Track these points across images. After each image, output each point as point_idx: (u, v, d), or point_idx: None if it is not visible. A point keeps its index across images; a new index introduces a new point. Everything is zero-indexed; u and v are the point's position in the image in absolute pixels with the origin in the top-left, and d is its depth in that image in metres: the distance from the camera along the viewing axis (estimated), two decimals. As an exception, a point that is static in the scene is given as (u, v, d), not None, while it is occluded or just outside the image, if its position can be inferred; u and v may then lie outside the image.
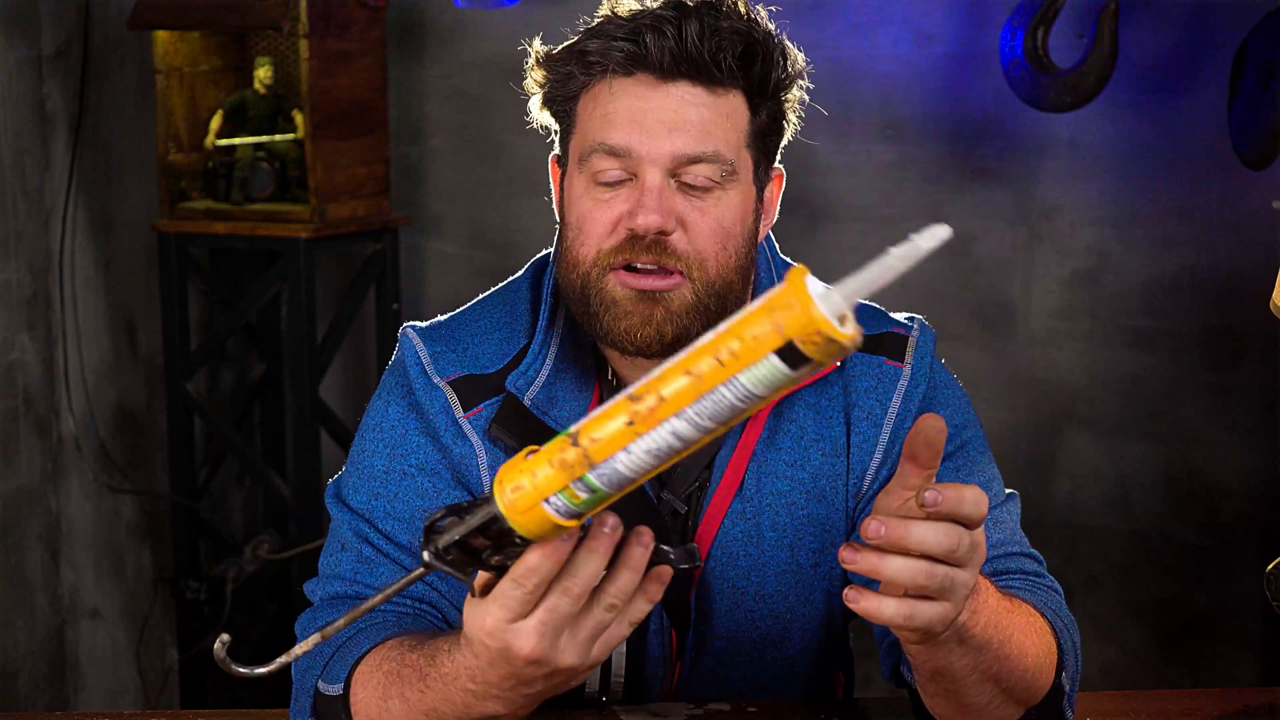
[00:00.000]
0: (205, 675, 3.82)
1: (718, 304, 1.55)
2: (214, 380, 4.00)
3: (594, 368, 1.63)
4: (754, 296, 1.65)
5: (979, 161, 3.63)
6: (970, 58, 3.58)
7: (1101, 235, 3.60)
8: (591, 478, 1.10)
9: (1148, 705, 1.71)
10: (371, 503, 1.61)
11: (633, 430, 1.07)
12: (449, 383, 1.61)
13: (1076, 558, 3.67)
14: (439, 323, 1.68)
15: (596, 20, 1.59)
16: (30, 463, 3.56)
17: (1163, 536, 3.64)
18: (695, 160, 1.53)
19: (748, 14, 1.56)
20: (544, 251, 1.71)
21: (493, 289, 1.72)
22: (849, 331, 1.03)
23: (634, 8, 1.57)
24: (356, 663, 1.46)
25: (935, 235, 1.00)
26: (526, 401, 1.59)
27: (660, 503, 1.62)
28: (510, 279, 1.71)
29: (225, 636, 1.20)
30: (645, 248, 1.52)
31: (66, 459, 3.66)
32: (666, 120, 1.52)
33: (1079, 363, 3.66)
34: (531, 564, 1.17)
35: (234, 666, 1.20)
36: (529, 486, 1.11)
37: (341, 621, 1.22)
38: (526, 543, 1.16)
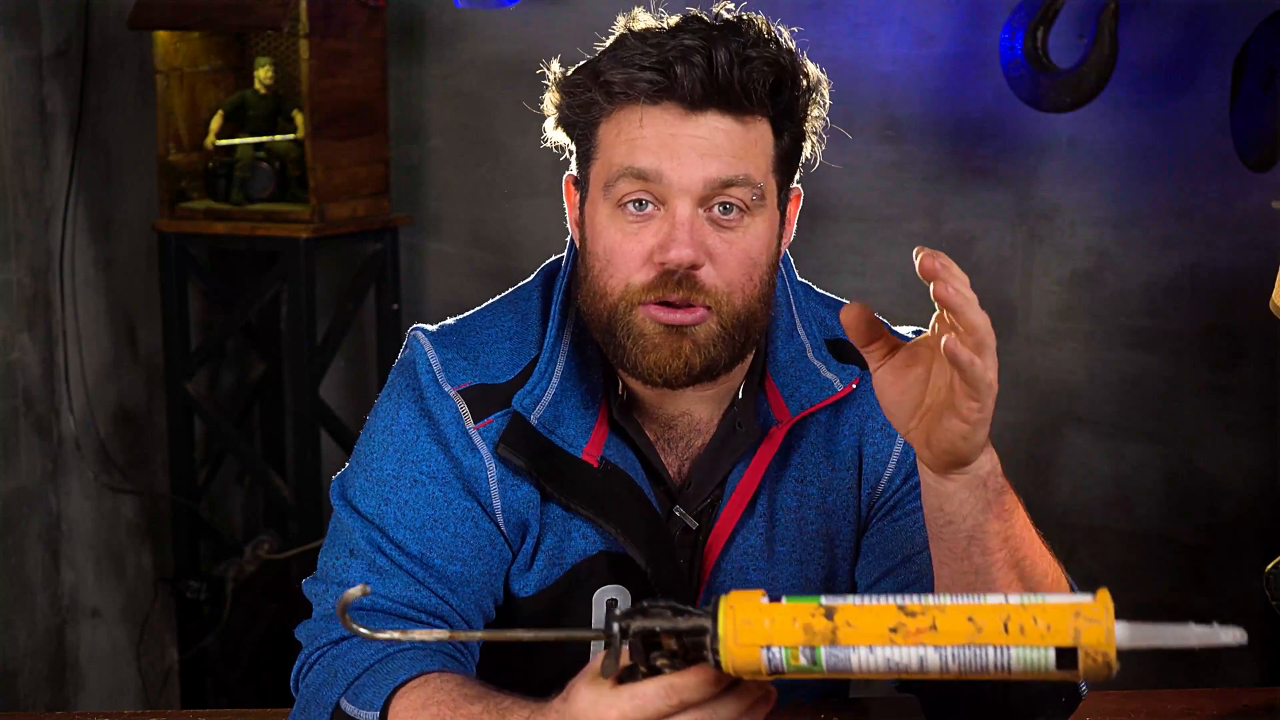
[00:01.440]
0: (205, 675, 3.82)
1: (742, 334, 1.54)
2: (214, 380, 4.00)
3: (601, 384, 1.61)
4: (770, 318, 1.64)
5: (979, 161, 3.63)
6: (970, 58, 3.58)
7: (1101, 235, 3.60)
8: (822, 653, 1.13)
9: (1147, 705, 1.72)
10: (382, 508, 1.58)
11: (890, 638, 1.12)
12: (460, 392, 1.59)
13: (1076, 558, 3.67)
14: (449, 327, 1.66)
15: (613, 39, 1.55)
16: (30, 463, 3.56)
17: (1163, 536, 3.64)
18: (728, 184, 1.51)
19: (770, 35, 1.53)
20: (554, 257, 1.69)
21: (503, 294, 1.69)
22: (1116, 666, 1.11)
23: (651, 25, 1.53)
24: (393, 693, 1.44)
25: (1234, 635, 1.09)
26: (533, 420, 1.57)
27: (671, 519, 1.62)
28: (520, 285, 1.69)
29: (367, 588, 1.19)
30: (676, 284, 1.50)
31: (66, 459, 3.66)
32: (698, 147, 1.50)
33: (1079, 363, 3.66)
34: (692, 683, 1.18)
35: (352, 622, 1.19)
36: (760, 627, 1.14)
37: (479, 634, 1.25)
38: (696, 664, 1.18)
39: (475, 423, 1.58)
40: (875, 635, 1.12)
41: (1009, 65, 3.38)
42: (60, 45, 3.56)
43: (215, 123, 3.60)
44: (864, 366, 1.65)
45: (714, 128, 1.51)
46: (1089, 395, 3.65)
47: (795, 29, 1.58)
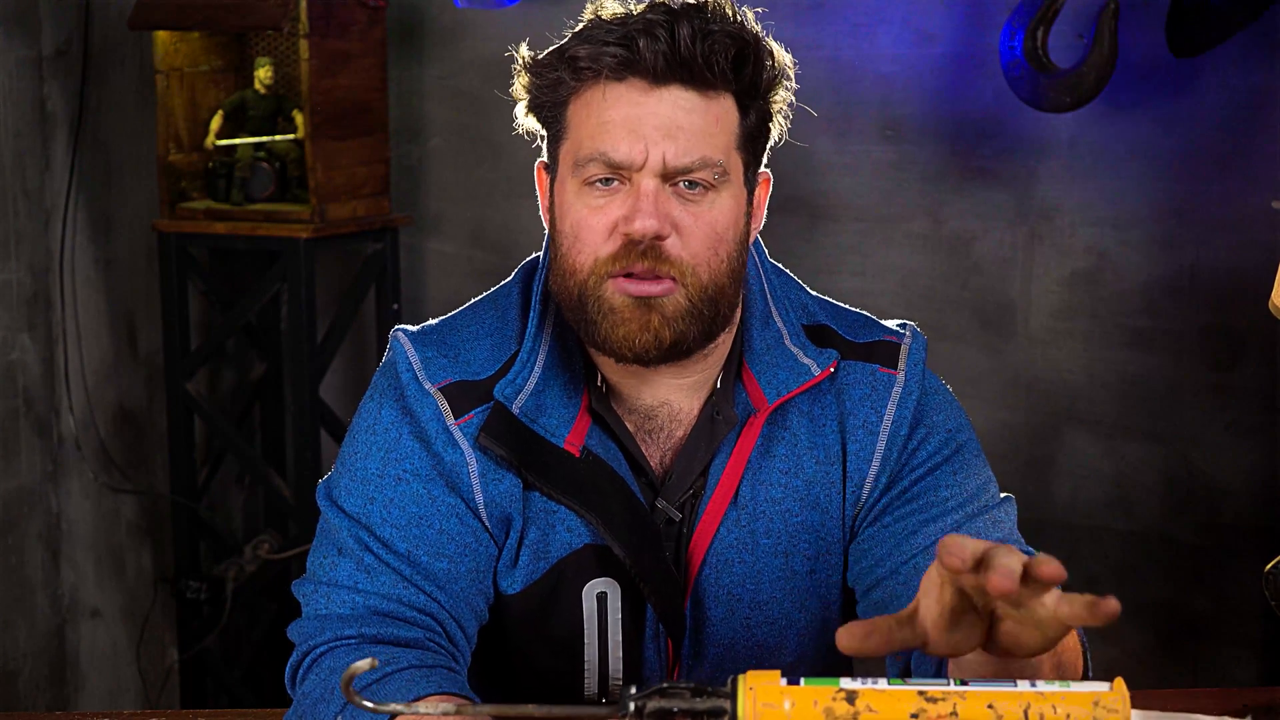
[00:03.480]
0: (205, 675, 3.82)
1: (711, 309, 1.55)
2: (214, 380, 4.00)
3: (583, 374, 1.62)
4: (743, 301, 1.65)
5: (979, 161, 3.63)
6: (970, 58, 3.58)
7: (1101, 235, 3.60)
8: None
9: (1148, 705, 1.71)
10: (367, 507, 1.59)
11: None
12: (440, 389, 1.60)
13: (1076, 558, 3.67)
14: (430, 327, 1.68)
15: (581, 24, 1.59)
16: (30, 463, 3.56)
17: (1163, 536, 3.64)
18: (687, 170, 1.53)
19: (735, 16, 1.56)
20: (533, 255, 1.71)
21: (484, 294, 1.71)
22: None
23: (618, 10, 1.57)
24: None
25: None
26: (515, 410, 1.58)
27: (655, 510, 1.62)
28: (501, 284, 1.71)
29: (375, 661, 1.17)
30: (640, 254, 1.52)
31: (66, 459, 3.66)
32: (661, 126, 1.52)
33: (1079, 363, 3.66)
34: None
35: (358, 696, 1.17)
36: (780, 710, 1.14)
37: (487, 708, 1.18)
38: None
39: (455, 419, 1.59)
40: None
41: (1009, 65, 3.38)
42: (60, 45, 3.56)
43: (215, 123, 3.60)
44: (842, 352, 1.65)
45: (677, 104, 1.53)
46: (1089, 395, 3.65)
47: (761, 12, 1.59)
